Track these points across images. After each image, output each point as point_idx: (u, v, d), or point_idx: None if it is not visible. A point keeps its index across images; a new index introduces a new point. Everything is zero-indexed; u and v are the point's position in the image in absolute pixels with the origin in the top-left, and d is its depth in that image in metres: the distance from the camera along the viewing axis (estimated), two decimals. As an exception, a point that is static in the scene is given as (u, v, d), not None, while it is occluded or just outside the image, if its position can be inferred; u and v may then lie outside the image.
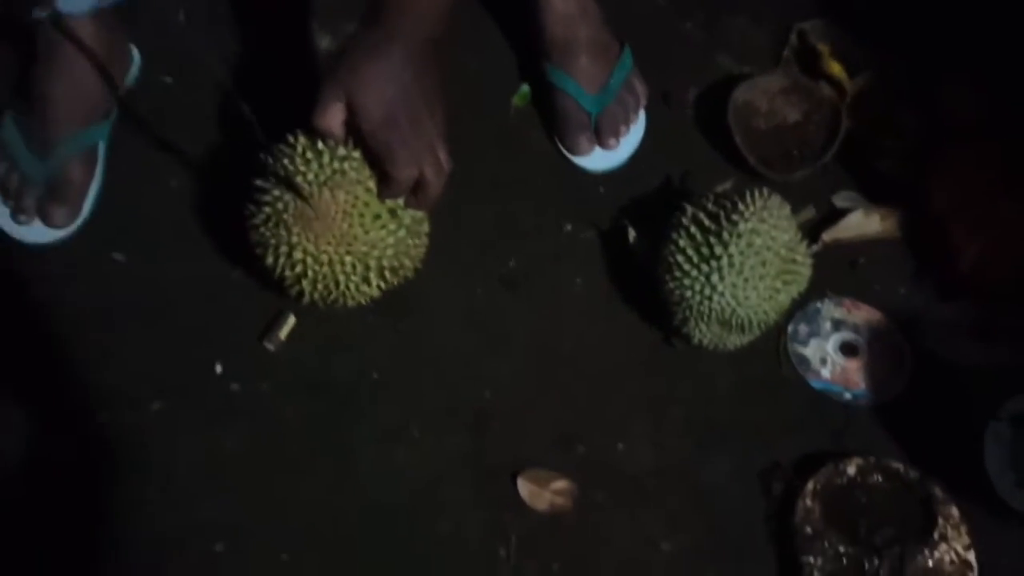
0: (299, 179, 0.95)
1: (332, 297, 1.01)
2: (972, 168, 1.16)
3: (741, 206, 1.02)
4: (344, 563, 1.01)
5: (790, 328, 1.13)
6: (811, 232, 1.16)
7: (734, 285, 1.01)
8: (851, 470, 1.04)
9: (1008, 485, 1.03)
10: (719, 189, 1.10)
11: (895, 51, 1.25)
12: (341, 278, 0.99)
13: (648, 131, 1.22)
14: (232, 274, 1.12)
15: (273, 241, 0.98)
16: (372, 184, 0.97)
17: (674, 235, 1.05)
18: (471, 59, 1.24)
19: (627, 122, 1.20)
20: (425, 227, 1.04)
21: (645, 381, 1.11)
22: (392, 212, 0.99)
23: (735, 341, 1.08)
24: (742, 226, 1.01)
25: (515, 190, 1.19)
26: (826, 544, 1.01)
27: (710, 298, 1.02)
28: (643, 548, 1.03)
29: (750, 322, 1.03)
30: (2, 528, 1.00)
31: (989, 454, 1.04)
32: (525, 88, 1.24)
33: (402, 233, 1.00)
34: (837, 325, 1.14)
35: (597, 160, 1.20)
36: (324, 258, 0.97)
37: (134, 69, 1.20)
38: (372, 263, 0.99)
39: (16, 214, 1.12)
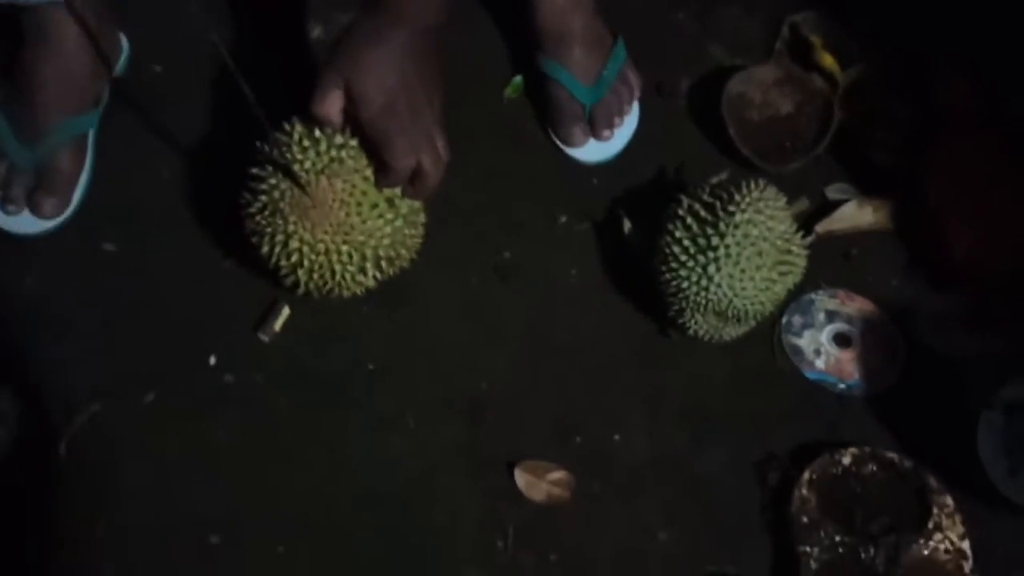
0: (296, 167, 0.95)
1: (328, 287, 1.01)
2: (965, 159, 1.16)
3: (737, 197, 1.02)
4: (339, 553, 1.01)
5: (784, 319, 1.13)
6: (804, 224, 1.15)
7: (731, 276, 1.01)
8: (846, 460, 1.05)
9: (1001, 473, 1.04)
10: (714, 180, 1.10)
11: (887, 43, 1.25)
12: (337, 267, 0.98)
13: (641, 122, 1.22)
14: (225, 264, 1.11)
15: (269, 230, 0.97)
16: (370, 173, 0.96)
17: (670, 226, 1.05)
18: (464, 49, 1.23)
19: (621, 113, 1.20)
20: (422, 217, 1.03)
21: (641, 372, 1.11)
22: (390, 201, 0.98)
23: (731, 332, 1.08)
24: (738, 217, 1.01)
25: (509, 181, 1.18)
26: (822, 533, 1.01)
27: (707, 289, 1.02)
28: (640, 538, 1.03)
29: (746, 313, 1.03)
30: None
31: (982, 443, 1.05)
32: (518, 79, 1.23)
33: (399, 223, 0.99)
34: (831, 316, 1.14)
35: (591, 151, 1.20)
36: (320, 247, 0.96)
37: (123, 58, 1.19)
38: (369, 253, 0.98)
39: (4, 204, 1.11)
